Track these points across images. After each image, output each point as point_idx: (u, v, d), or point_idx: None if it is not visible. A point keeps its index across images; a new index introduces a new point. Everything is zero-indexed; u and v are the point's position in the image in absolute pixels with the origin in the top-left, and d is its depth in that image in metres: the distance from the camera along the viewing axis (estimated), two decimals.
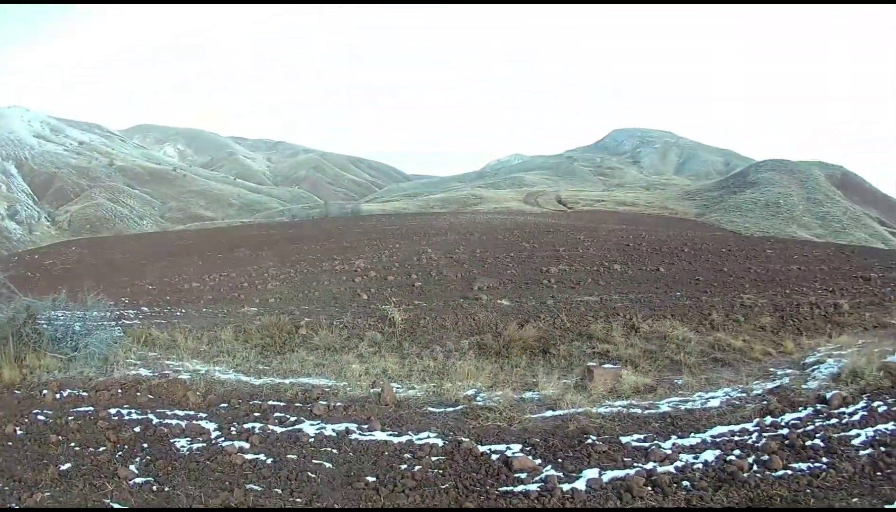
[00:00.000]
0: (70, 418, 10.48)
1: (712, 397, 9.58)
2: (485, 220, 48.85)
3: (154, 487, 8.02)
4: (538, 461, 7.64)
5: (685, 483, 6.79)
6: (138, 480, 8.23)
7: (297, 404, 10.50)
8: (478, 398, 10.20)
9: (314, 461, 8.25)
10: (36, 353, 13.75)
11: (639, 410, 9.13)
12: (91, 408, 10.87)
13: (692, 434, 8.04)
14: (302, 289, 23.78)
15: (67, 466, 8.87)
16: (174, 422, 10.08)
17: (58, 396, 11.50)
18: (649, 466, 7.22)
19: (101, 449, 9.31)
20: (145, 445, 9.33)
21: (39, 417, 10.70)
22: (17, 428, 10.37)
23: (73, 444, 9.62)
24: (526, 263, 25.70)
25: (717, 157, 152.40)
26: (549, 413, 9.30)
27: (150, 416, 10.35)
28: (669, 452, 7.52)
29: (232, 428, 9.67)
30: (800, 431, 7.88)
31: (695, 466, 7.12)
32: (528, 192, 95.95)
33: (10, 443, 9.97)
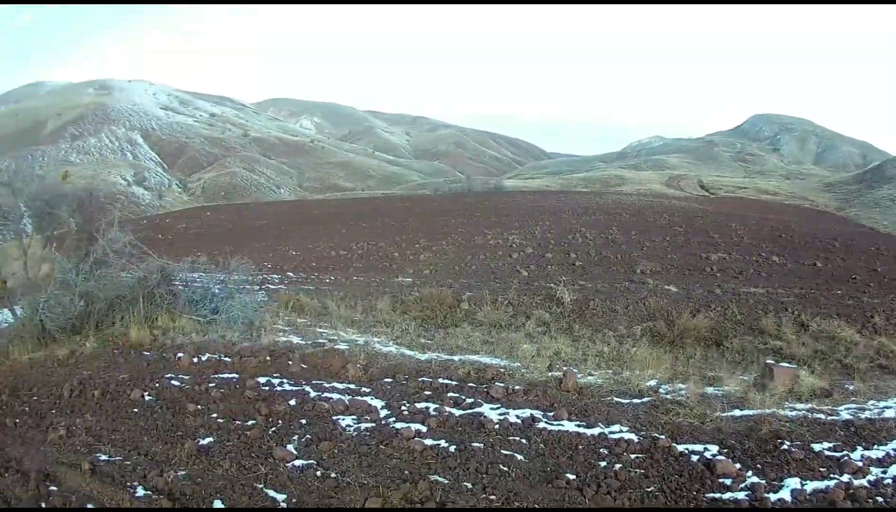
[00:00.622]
0: (211, 385, 9.91)
1: (886, 407, 9.09)
2: (631, 201, 48.32)
3: (318, 473, 7.28)
4: (738, 466, 7.28)
5: (879, 498, 6.55)
6: (298, 462, 7.52)
7: (471, 384, 9.77)
8: (661, 390, 9.80)
9: (503, 452, 7.68)
10: (170, 314, 13.56)
11: (822, 416, 8.67)
12: (236, 375, 10.29)
13: (875, 446, 7.67)
14: (457, 262, 24.04)
15: (208, 440, 8.27)
16: (335, 396, 9.31)
17: (195, 360, 11.02)
18: (845, 478, 6.93)
19: (250, 423, 8.65)
20: (303, 422, 8.58)
21: (173, 382, 10.24)
22: (146, 393, 9.96)
23: (214, 415, 9.02)
24: (683, 248, 26.00)
25: (855, 149, 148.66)
26: (737, 412, 8.85)
27: (306, 387, 9.64)
28: (861, 464, 7.18)
29: (402, 407, 8.89)
30: None
31: (885, 481, 6.83)
32: (670, 176, 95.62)
33: (135, 410, 9.56)
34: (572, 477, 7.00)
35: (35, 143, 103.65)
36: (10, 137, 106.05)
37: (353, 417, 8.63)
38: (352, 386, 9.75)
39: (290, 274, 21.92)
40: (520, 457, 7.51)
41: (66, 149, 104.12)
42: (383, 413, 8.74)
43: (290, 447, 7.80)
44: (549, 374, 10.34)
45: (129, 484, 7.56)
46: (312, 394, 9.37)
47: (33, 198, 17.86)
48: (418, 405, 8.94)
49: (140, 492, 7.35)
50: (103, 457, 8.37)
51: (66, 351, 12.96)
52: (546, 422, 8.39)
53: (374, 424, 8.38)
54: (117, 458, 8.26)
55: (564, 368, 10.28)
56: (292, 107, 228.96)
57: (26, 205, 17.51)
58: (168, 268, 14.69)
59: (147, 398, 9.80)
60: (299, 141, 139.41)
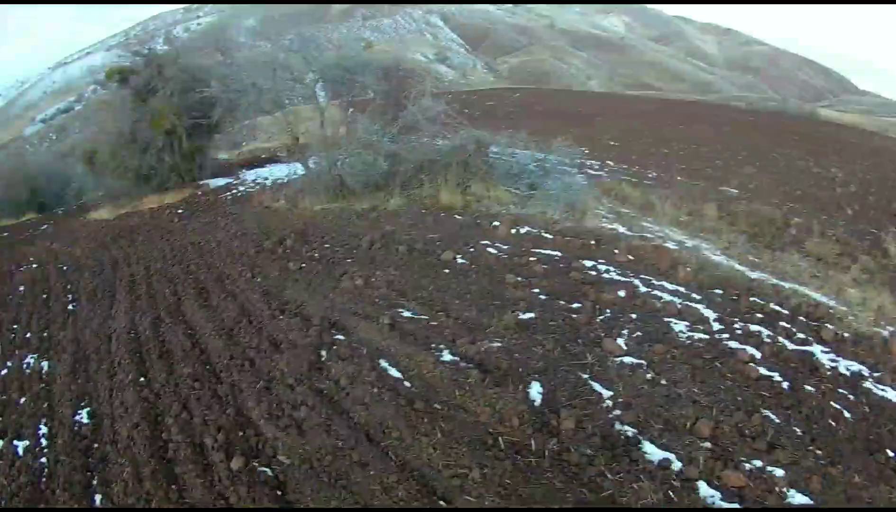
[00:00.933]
0: (532, 259, 9.64)
1: None
2: None
3: (649, 376, 6.72)
4: None
5: None
6: (627, 359, 6.99)
7: (801, 318, 8.72)
8: None
9: (832, 404, 6.71)
10: (485, 183, 13.56)
11: None
12: (558, 253, 9.95)
13: None
14: (783, 183, 22.89)
15: (529, 315, 7.97)
16: (665, 296, 8.66)
17: (513, 231, 10.82)
18: None
19: (575, 306, 8.23)
20: (633, 316, 8.01)
21: (489, 249, 10.09)
22: (459, 256, 9.88)
23: (536, 290, 8.72)
24: None
25: None
26: None
27: (635, 281, 9.07)
28: None
29: (735, 325, 8.06)
30: None
31: None
32: None
33: (446, 270, 9.51)
34: (892, 455, 6.13)
35: (319, 23, 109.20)
36: (293, 17, 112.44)
37: (686, 323, 7.95)
38: (681, 289, 9.07)
39: (610, 163, 21.65)
40: (847, 415, 6.63)
41: (359, 27, 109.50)
42: (716, 327, 7.99)
43: (619, 341, 7.29)
44: (874, 328, 9.19)
45: (434, 346, 7.45)
46: (642, 289, 8.79)
47: (331, 66, 18.49)
48: (751, 327, 8.09)
49: (447, 356, 7.21)
50: (406, 313, 8.40)
51: (366, 205, 13.36)
52: (871, 383, 7.40)
53: (707, 337, 7.68)
54: (423, 316, 8.23)
55: (889, 329, 9.14)
56: (599, 4, 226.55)
57: (321, 72, 18.22)
58: (484, 139, 14.68)
59: (460, 262, 9.75)
60: (609, 36, 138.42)
